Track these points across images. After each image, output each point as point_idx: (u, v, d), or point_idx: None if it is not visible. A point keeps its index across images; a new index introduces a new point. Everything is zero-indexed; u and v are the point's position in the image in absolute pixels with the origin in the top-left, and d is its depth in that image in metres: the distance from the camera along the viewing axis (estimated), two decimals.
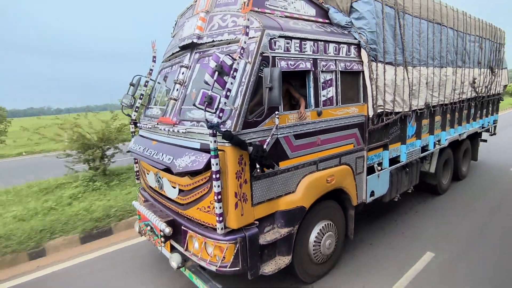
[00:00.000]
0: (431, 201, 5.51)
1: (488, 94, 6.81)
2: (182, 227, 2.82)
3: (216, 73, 2.26)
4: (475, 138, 7.16)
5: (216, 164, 2.33)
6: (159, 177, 3.09)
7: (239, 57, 2.38)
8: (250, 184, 2.56)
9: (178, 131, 2.77)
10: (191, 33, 3.09)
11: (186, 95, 3.04)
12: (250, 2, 2.46)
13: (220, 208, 2.41)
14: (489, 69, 6.73)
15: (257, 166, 2.49)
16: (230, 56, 2.33)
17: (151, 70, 3.96)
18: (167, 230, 2.79)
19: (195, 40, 3.01)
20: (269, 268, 2.72)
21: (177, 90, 3.10)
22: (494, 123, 7.92)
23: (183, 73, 3.13)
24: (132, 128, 3.94)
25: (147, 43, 3.98)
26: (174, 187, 2.87)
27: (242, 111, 2.43)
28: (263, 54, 2.55)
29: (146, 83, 3.97)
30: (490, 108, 7.50)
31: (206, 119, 2.25)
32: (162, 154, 2.82)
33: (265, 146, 2.48)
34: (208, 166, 2.42)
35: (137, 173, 4.04)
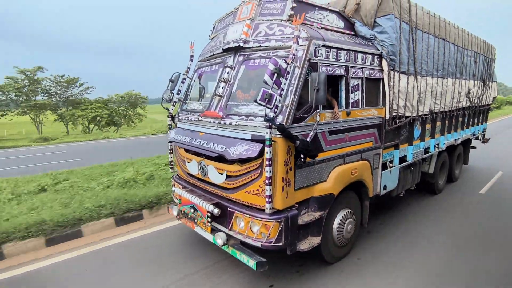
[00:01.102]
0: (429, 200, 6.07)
1: (480, 104, 7.47)
2: (228, 209, 3.19)
3: (275, 74, 2.66)
4: (467, 144, 7.81)
5: (269, 152, 2.73)
6: (204, 165, 3.46)
7: (291, 61, 2.79)
8: (294, 172, 2.97)
9: (230, 124, 3.15)
10: (237, 37, 3.47)
11: (232, 93, 3.42)
12: (302, 16, 2.88)
13: (270, 190, 2.80)
14: (481, 82, 7.39)
15: (301, 156, 2.90)
16: (285, 60, 2.74)
17: (188, 68, 4.32)
18: (216, 210, 3.16)
19: (241, 44, 3.40)
20: (304, 245, 3.13)
21: (222, 87, 3.48)
22: (483, 131, 8.62)
23: (228, 72, 3.51)
24: (170, 121, 4.28)
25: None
26: (221, 173, 3.24)
27: (292, 108, 2.85)
28: (310, 61, 2.98)
29: (184, 80, 4.31)
30: (481, 118, 8.18)
31: (266, 114, 2.64)
32: (213, 144, 3.19)
33: (308, 139, 2.90)
34: (260, 154, 2.81)
35: (171, 163, 4.38)
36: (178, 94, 4.27)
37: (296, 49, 2.84)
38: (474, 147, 8.59)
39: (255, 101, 2.64)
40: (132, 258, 3.94)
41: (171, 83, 4.21)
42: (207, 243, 4.00)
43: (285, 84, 2.76)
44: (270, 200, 2.82)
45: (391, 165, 4.40)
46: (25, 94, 22.82)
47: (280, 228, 2.90)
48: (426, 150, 5.41)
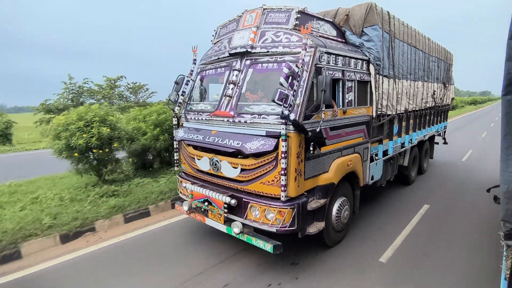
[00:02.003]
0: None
1: (442, 104, 8.43)
2: (243, 200, 3.49)
3: (290, 77, 3.02)
4: (432, 140, 8.74)
5: (285, 146, 3.08)
6: (216, 160, 3.72)
7: (301, 66, 3.17)
8: (304, 163, 3.34)
9: (244, 122, 3.45)
10: (244, 43, 3.79)
11: (241, 94, 3.73)
12: (310, 26, 3.28)
13: (285, 180, 3.15)
14: (442, 84, 8.35)
15: (311, 148, 3.29)
16: (296, 65, 3.12)
17: (192, 71, 4.54)
18: (233, 201, 3.44)
19: (249, 49, 3.73)
20: (312, 229, 3.51)
21: (231, 89, 3.77)
22: (444, 129, 9.68)
23: (236, 75, 3.81)
24: (175, 121, 4.48)
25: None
26: (235, 168, 3.53)
27: (303, 107, 3.23)
28: (316, 65, 3.38)
29: (188, 82, 4.52)
30: (442, 116, 9.20)
31: (282, 112, 2.99)
32: (228, 140, 3.48)
33: (316, 135, 3.30)
34: (275, 147, 3.16)
35: (177, 161, 4.57)
36: (182, 95, 4.47)
37: (304, 55, 3.23)
38: (437, 143, 9.60)
39: (273, 100, 2.98)
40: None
41: (176, 85, 4.41)
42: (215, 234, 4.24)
43: (297, 85, 3.14)
44: (285, 189, 3.17)
45: (376, 158, 4.96)
46: (108, 98, 26.33)
47: (293, 214, 3.26)
48: (402, 145, 6.09)
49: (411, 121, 6.36)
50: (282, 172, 3.12)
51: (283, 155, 3.09)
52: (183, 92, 4.50)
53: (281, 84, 3.04)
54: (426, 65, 6.78)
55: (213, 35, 4.60)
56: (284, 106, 2.99)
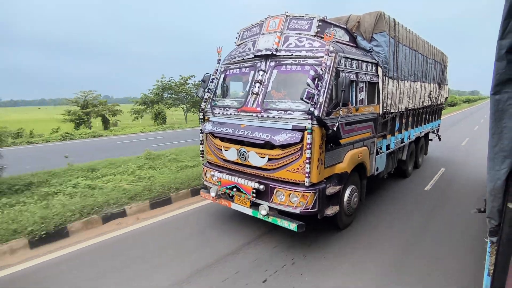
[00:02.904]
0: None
1: (437, 103, 9.04)
2: (270, 185, 3.96)
3: (316, 79, 3.49)
4: (427, 137, 9.37)
5: (310, 138, 3.56)
6: (244, 151, 4.18)
7: (324, 69, 3.65)
8: (324, 154, 3.84)
9: (272, 117, 3.91)
10: (270, 46, 4.24)
11: (267, 92, 4.19)
12: (332, 34, 3.76)
13: (309, 168, 3.64)
14: (438, 85, 8.94)
15: (331, 144, 3.78)
16: (320, 68, 3.59)
17: (216, 69, 4.97)
18: (261, 187, 3.92)
19: (274, 52, 4.18)
20: (329, 211, 4.02)
21: (257, 87, 4.22)
22: (438, 126, 10.32)
23: (261, 75, 4.26)
24: (201, 115, 4.91)
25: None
26: (263, 157, 4.00)
27: (325, 104, 3.71)
28: (336, 68, 3.86)
29: (213, 80, 4.95)
30: (437, 115, 9.82)
31: (309, 108, 3.47)
32: (258, 133, 3.94)
33: (334, 129, 3.79)
34: (301, 140, 3.64)
35: (202, 152, 5.02)
36: (208, 92, 4.90)
37: (326, 60, 3.70)
38: (431, 140, 10.24)
39: (301, 98, 3.45)
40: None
41: (203, 82, 4.84)
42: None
43: (321, 86, 3.61)
44: (308, 175, 3.66)
45: (381, 151, 5.49)
46: (176, 93, 30.96)
47: (315, 198, 3.75)
48: (402, 140, 6.65)
49: (410, 118, 6.92)
50: (307, 161, 3.61)
51: (308, 146, 3.58)
52: (209, 89, 4.93)
53: (308, 85, 3.51)
54: (424, 67, 7.33)
55: (236, 37, 5.03)
56: (310, 104, 3.47)
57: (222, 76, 4.99)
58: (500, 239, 2.01)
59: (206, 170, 4.87)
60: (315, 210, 3.80)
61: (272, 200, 3.98)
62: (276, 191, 3.93)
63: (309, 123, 3.54)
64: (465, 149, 12.01)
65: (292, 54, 4.11)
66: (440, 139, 10.45)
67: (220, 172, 4.53)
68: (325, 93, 3.74)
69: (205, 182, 5.00)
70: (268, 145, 3.95)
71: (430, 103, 8.16)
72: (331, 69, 3.82)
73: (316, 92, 3.55)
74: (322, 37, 4.01)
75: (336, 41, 4.38)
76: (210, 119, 4.84)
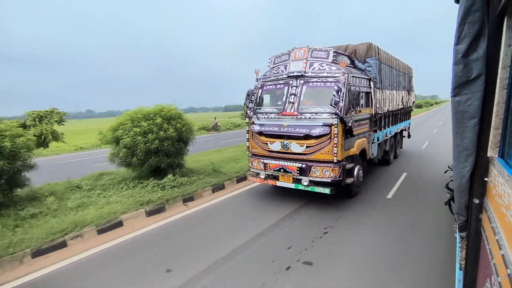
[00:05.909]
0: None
1: (407, 106, 11.39)
2: (308, 165, 5.76)
3: (338, 91, 5.39)
4: (401, 133, 11.68)
5: (336, 130, 5.43)
6: (287, 143, 5.96)
7: (341, 85, 5.57)
8: (344, 141, 5.72)
9: (309, 118, 5.74)
10: (300, 69, 6.11)
11: (300, 101, 6.02)
12: (345, 62, 5.71)
13: (336, 150, 5.50)
14: (407, 91, 11.30)
15: (348, 135, 5.68)
16: (338, 85, 5.51)
17: (256, 86, 6.76)
18: (304, 166, 5.72)
19: (303, 73, 6.05)
20: (348, 180, 5.89)
21: (293, 98, 6.06)
22: (408, 125, 12.72)
23: (294, 90, 6.11)
24: (248, 120, 6.64)
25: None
26: (302, 146, 5.80)
27: (344, 108, 5.61)
28: (349, 84, 5.80)
29: (254, 93, 6.71)
30: (407, 115, 12.21)
31: (335, 111, 5.35)
32: (299, 129, 5.74)
33: (349, 125, 5.69)
34: (330, 132, 5.50)
35: (248, 147, 6.74)
36: (251, 102, 6.66)
37: (342, 78, 5.63)
38: (404, 136, 12.62)
39: (330, 104, 5.33)
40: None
41: (247, 95, 6.60)
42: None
43: (340, 96, 5.52)
44: (336, 155, 5.52)
45: (373, 141, 7.51)
46: None
47: (340, 171, 5.61)
48: (386, 134, 8.76)
49: (391, 118, 9.08)
50: (335, 145, 5.47)
51: (335, 136, 5.44)
52: (251, 100, 6.69)
53: (334, 95, 5.41)
54: (397, 78, 9.59)
55: (269, 62, 6.86)
56: (336, 108, 5.36)
57: (260, 91, 6.78)
58: (469, 234, 2.03)
59: (253, 160, 6.58)
60: (341, 179, 5.65)
61: (310, 175, 5.78)
62: (313, 168, 5.74)
63: (336, 120, 5.42)
64: (425, 152, 12.45)
65: (316, 75, 6.00)
66: (409, 136, 12.86)
67: (268, 159, 6.27)
68: (344, 100, 5.65)
69: (251, 170, 6.70)
70: (304, 137, 5.77)
71: (402, 106, 10.44)
72: (346, 84, 5.75)
73: (338, 100, 5.45)
74: (337, 63, 5.95)
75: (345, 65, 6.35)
76: (255, 122, 6.59)
